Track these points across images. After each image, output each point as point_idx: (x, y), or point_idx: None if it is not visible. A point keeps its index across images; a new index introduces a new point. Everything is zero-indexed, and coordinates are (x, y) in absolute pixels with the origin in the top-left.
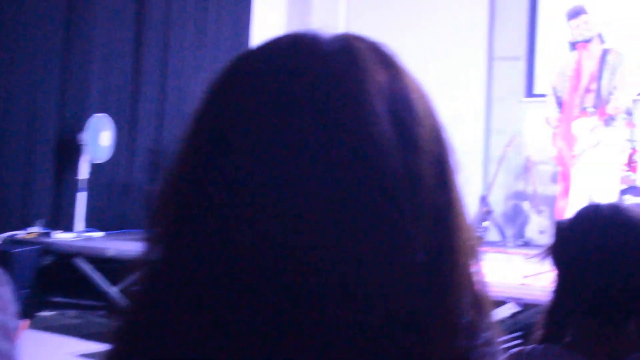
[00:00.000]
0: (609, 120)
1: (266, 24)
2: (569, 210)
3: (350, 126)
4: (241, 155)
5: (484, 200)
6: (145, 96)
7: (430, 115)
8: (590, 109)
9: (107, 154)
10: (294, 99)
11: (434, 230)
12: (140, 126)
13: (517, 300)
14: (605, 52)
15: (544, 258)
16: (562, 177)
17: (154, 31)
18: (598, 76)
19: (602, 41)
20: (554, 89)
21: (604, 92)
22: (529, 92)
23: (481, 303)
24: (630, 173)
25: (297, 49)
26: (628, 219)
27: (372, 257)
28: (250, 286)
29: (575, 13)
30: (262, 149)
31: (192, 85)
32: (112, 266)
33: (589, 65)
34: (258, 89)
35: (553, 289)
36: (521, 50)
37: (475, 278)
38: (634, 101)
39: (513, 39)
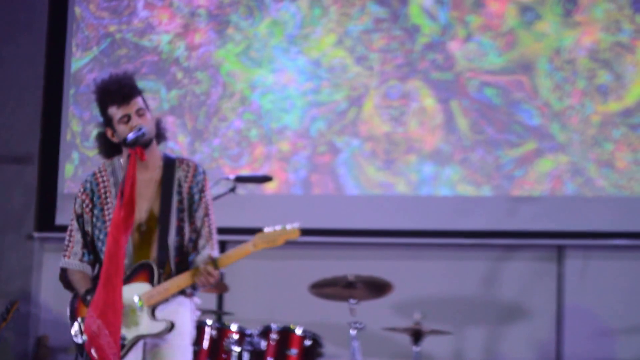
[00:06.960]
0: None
1: None
2: None
3: None
4: None
5: None
6: None
7: None
8: (150, 265)
9: None
10: None
11: None
12: None
13: None
14: (171, 164)
15: None
16: None
17: None
18: (162, 204)
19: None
20: (83, 222)
21: (178, 236)
22: (47, 223)
23: None
24: None
25: None
26: None
27: None
28: None
29: (123, 96)
30: None
31: None
32: None
33: (149, 185)
34: None
35: None
36: (33, 146)
37: None
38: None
39: (17, 126)
